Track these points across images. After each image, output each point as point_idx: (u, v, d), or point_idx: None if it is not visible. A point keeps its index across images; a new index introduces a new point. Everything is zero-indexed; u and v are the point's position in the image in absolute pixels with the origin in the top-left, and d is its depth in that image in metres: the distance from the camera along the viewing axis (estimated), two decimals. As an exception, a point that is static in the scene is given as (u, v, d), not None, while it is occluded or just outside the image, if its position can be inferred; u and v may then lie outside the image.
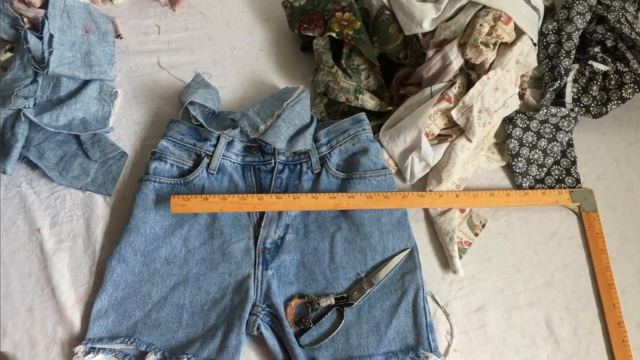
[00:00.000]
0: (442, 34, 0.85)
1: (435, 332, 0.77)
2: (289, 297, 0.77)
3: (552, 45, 0.92)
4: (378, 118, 0.93)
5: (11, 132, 0.83)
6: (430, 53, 0.87)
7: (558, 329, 0.80)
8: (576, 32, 0.90)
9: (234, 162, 0.85)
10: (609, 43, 0.91)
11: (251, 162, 0.85)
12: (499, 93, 0.85)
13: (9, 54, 0.91)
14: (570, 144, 0.91)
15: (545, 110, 0.88)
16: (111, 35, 0.94)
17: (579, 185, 0.89)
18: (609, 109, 0.88)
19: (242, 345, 0.73)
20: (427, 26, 0.86)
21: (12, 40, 0.91)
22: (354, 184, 0.83)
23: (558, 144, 0.90)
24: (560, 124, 0.90)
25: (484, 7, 0.83)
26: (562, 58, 0.89)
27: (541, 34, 0.93)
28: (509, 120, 0.89)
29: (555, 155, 0.90)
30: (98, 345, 0.73)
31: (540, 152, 0.89)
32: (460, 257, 0.82)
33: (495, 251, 0.84)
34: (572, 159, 0.90)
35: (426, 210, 0.86)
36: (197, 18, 1.02)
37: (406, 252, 0.80)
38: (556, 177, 0.89)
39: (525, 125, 0.90)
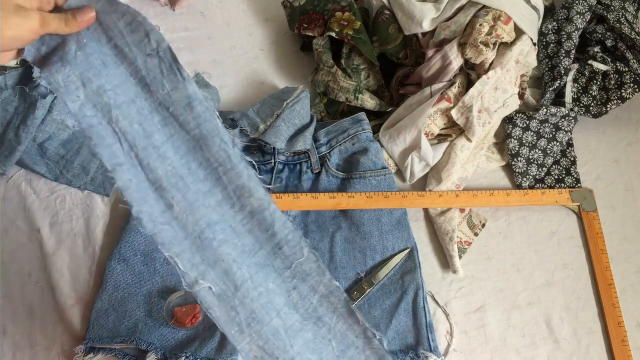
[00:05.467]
0: (442, 34, 0.85)
1: (435, 332, 0.77)
2: (289, 297, 0.77)
3: (552, 45, 0.92)
4: (378, 118, 0.93)
5: (15, 135, 0.83)
6: (430, 53, 0.87)
7: (558, 329, 0.80)
8: (576, 32, 0.90)
9: (234, 162, 0.85)
10: (609, 43, 0.91)
11: (251, 162, 0.85)
12: (499, 93, 0.85)
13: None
14: (570, 144, 0.91)
15: (545, 110, 0.88)
16: None
17: (579, 185, 0.89)
18: (609, 109, 0.88)
19: (242, 345, 0.73)
20: (427, 26, 0.86)
21: None
22: (354, 184, 0.83)
23: (558, 144, 0.90)
24: (560, 124, 0.90)
25: (484, 7, 0.83)
26: (562, 58, 0.89)
27: (541, 34, 0.93)
28: (509, 120, 0.90)
29: (555, 155, 0.90)
30: (98, 345, 0.73)
31: (540, 152, 0.89)
32: (460, 257, 0.82)
33: (495, 251, 0.84)
34: (572, 159, 0.90)
35: (426, 210, 0.86)
36: (197, 18, 1.02)
37: (406, 252, 0.80)
38: (556, 177, 0.89)
39: (525, 125, 0.90)
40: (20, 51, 0.52)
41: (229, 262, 0.49)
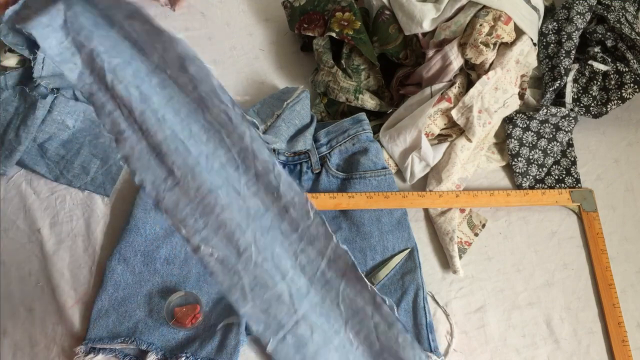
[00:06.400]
0: (442, 34, 0.85)
1: (435, 332, 0.77)
2: (289, 297, 0.77)
3: (552, 45, 0.92)
4: (378, 118, 0.93)
5: (15, 135, 0.83)
6: (430, 53, 0.87)
7: (558, 329, 0.80)
8: (576, 32, 0.90)
9: (234, 162, 0.85)
10: (609, 43, 0.91)
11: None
12: (499, 93, 0.85)
13: (9, 54, 0.91)
14: (570, 144, 0.91)
15: (545, 110, 0.88)
16: None
17: (579, 185, 0.89)
18: (609, 109, 0.88)
19: (240, 345, 0.73)
20: (427, 26, 0.86)
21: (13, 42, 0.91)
22: (354, 184, 0.83)
23: (558, 143, 0.90)
24: (560, 124, 0.90)
25: (484, 7, 0.83)
26: (562, 58, 0.89)
27: (541, 34, 0.93)
28: (509, 120, 0.90)
29: (555, 155, 0.90)
30: (98, 345, 0.73)
31: (540, 152, 0.89)
32: (460, 257, 0.82)
33: (495, 251, 0.84)
34: (572, 159, 0.90)
35: (426, 210, 0.86)
36: (197, 18, 1.02)
37: (406, 252, 0.80)
38: (556, 177, 0.89)
39: (525, 125, 0.90)
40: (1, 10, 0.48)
41: (232, 227, 0.49)
